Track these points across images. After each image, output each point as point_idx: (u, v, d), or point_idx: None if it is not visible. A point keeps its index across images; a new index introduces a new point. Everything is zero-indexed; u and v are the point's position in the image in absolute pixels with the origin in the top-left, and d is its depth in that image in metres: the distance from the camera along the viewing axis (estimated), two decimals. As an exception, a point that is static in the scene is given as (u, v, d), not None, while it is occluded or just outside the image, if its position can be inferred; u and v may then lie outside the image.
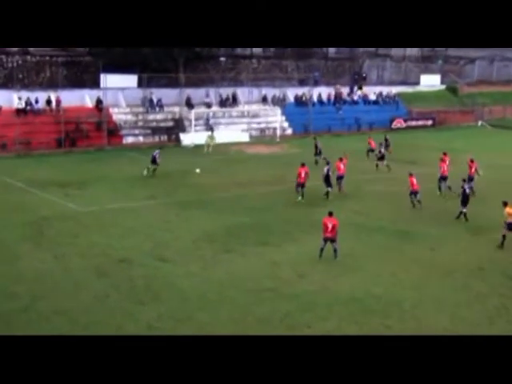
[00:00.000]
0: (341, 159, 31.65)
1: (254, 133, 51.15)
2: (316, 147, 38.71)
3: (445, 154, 32.41)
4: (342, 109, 57.40)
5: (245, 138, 49.55)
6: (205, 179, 34.06)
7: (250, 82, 54.90)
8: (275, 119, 52.41)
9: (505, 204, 22.95)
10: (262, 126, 52.74)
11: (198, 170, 35.36)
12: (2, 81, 47.86)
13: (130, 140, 46.73)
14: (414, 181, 28.37)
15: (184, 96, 50.12)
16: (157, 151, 35.44)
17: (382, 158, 37.12)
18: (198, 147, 44.67)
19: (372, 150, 40.10)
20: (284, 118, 53.74)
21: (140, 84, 47.90)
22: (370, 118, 57.09)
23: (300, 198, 28.92)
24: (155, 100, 49.41)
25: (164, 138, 47.90)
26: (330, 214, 21.21)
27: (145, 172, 34.62)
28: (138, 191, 30.96)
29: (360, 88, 60.47)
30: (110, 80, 44.95)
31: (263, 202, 29.04)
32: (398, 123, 58.34)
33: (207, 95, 51.91)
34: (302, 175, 29.13)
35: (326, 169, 30.12)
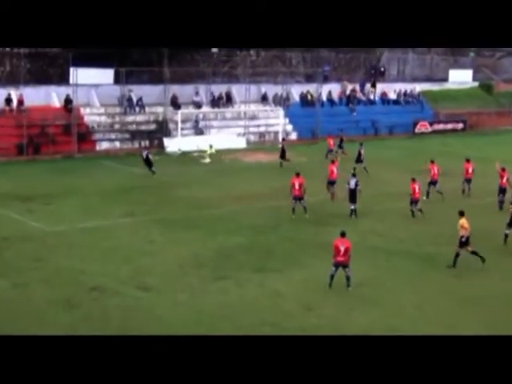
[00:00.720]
0: (333, 162, 33.08)
1: (251, 138, 51.39)
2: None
3: (432, 161, 34.19)
4: (356, 110, 57.63)
5: (241, 143, 49.74)
6: (194, 192, 34.08)
7: (247, 77, 55.19)
8: (277, 122, 52.63)
9: None
10: (262, 129, 52.97)
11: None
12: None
13: (104, 146, 46.93)
14: (417, 188, 29.28)
15: (169, 94, 50.34)
16: (145, 152, 35.81)
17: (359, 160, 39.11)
18: (185, 154, 44.72)
19: (331, 151, 43.32)
20: (287, 120, 54.01)
21: (117, 80, 48.09)
22: (390, 121, 57.38)
23: (293, 215, 29.07)
24: (135, 99, 49.68)
25: (145, 143, 48.08)
26: (343, 234, 21.18)
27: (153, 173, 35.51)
28: (114, 207, 30.98)
29: (373, 85, 60.47)
30: (81, 75, 45.08)
31: (262, 220, 29.05)
32: (423, 127, 58.58)
33: (196, 93, 52.16)
34: (296, 187, 29.22)
35: (352, 182, 29.96)
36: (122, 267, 22.72)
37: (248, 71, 56.14)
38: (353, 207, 29.67)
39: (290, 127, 54.16)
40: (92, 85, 47.57)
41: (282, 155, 41.99)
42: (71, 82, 45.65)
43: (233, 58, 58.42)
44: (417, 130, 57.96)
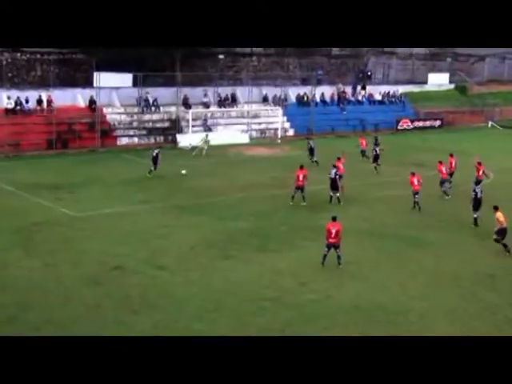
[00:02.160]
0: (339, 158, 32.30)
1: (254, 134, 51.17)
2: (311, 149, 39.56)
3: (451, 154, 33.38)
4: (345, 109, 57.41)
5: (244, 139, 49.56)
6: (203, 182, 34.03)
7: (249, 80, 54.90)
8: (276, 120, 52.44)
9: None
10: (263, 126, 52.76)
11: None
12: (-10, 79, 47.89)
13: (124, 141, 46.73)
14: (415, 180, 28.63)
15: (181, 95, 50.14)
16: (156, 150, 35.60)
17: (376, 158, 37.40)
18: (196, 149, 44.61)
19: (364, 151, 40.45)
20: (285, 118, 53.75)
21: (135, 83, 47.84)
22: (376, 119, 57.09)
23: (292, 202, 29.00)
24: (151, 100, 49.44)
25: (160, 139, 47.91)
26: (334, 218, 21.17)
27: (150, 174, 34.98)
28: (133, 195, 30.93)
29: (363, 88, 60.40)
30: (103, 79, 44.89)
31: (264, 207, 29.00)
32: (405, 124, 58.31)
33: (205, 95, 51.93)
34: (300, 178, 29.14)
35: (333, 172, 30.00)
36: (140, 249, 22.68)
37: (251, 75, 55.93)
38: (332, 194, 29.62)
39: (287, 124, 53.89)
40: (113, 87, 47.37)
41: (311, 152, 39.57)
42: (95, 84, 45.48)
43: (237, 64, 58.14)
44: (399, 127, 57.73)
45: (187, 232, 24.88)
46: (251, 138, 50.09)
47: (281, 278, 20.13)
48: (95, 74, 45.26)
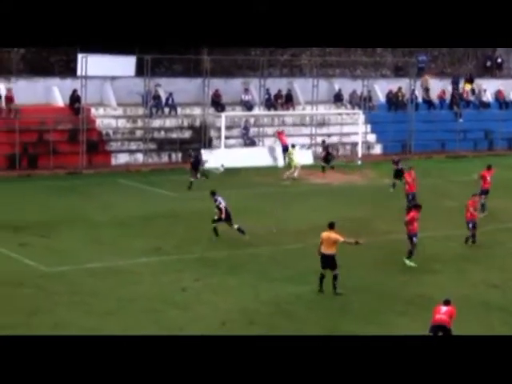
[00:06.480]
0: (410, 170, 36.12)
1: (320, 151, 51.21)
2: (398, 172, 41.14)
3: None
4: (462, 115, 57.16)
5: (306, 158, 49.57)
6: (241, 224, 34.03)
7: (314, 69, 55.16)
8: (355, 130, 52.50)
9: None
10: (334, 140, 52.85)
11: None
12: None
13: (121, 159, 47.39)
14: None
15: (209, 91, 50.49)
16: (195, 153, 36.99)
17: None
18: (230, 172, 44.78)
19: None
20: (370, 127, 53.82)
21: (140, 71, 48.34)
22: (510, 131, 56.72)
23: (412, 263, 28.92)
24: (163, 96, 49.94)
25: (176, 156, 48.34)
26: (447, 302, 20.85)
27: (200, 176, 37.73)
28: (133, 241, 31.14)
29: (470, 81, 59.64)
30: (92, 64, 45.38)
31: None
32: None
33: (246, 90, 52.31)
34: (416, 225, 28.87)
35: None
36: (143, 324, 22.67)
37: (316, 61, 56.08)
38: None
39: (372, 137, 53.95)
40: (106, 77, 48.13)
41: (397, 175, 41.17)
42: (79, 73, 46.23)
43: (295, 44, 58.48)
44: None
45: (216, 299, 24.87)
46: (316, 158, 50.10)
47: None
48: (80, 57, 45.77)
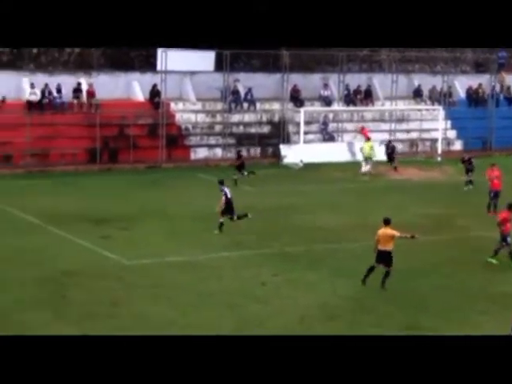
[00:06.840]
0: (492, 167, 35.70)
1: (399, 146, 50.91)
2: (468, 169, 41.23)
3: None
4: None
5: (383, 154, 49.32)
6: (320, 219, 34.06)
7: (393, 64, 54.86)
8: (435, 126, 52.14)
9: None
10: (414, 136, 52.57)
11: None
12: (8, 58, 48.98)
13: (201, 154, 47.70)
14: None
15: (288, 86, 50.58)
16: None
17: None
18: (309, 167, 44.73)
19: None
20: (449, 124, 53.36)
21: (219, 66, 48.55)
22: None
23: (494, 260, 28.52)
24: (243, 91, 50.09)
25: (255, 151, 48.47)
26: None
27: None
28: (214, 236, 31.32)
29: None
30: (171, 59, 45.73)
31: (414, 259, 28.70)
32: None
33: (325, 85, 52.29)
34: (509, 225, 28.45)
35: None
36: (223, 318, 22.77)
37: (395, 56, 55.79)
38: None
39: (452, 133, 53.48)
40: (186, 72, 48.42)
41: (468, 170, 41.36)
42: (159, 68, 46.62)
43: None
44: None
45: (296, 294, 24.92)
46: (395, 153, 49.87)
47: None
48: (159, 53, 46.19)
